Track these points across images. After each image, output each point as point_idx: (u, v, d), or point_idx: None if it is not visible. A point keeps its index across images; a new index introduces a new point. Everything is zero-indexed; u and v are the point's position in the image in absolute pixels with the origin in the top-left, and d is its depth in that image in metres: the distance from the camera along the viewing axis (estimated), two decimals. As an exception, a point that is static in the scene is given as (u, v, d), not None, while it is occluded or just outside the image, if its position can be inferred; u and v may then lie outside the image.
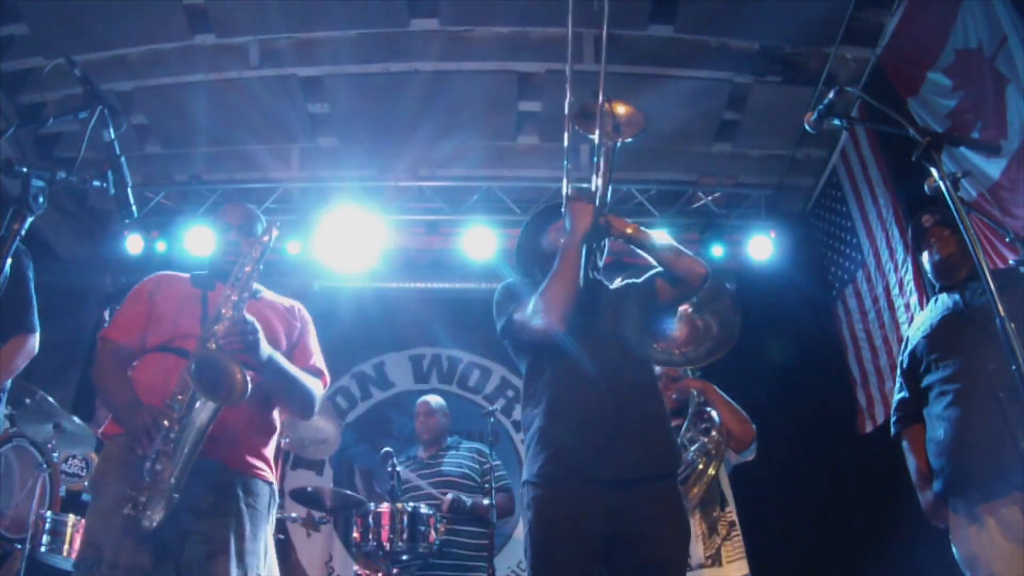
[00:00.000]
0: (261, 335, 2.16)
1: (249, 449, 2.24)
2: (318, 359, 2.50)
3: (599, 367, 2.22)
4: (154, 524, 1.95)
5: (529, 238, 2.61)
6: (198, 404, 1.99)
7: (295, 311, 2.55)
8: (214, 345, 2.10)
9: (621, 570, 2.11)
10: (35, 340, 2.72)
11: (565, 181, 2.46)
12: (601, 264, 2.46)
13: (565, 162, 2.48)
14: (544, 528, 2.13)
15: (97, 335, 2.44)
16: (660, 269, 2.37)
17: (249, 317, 2.15)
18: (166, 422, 2.00)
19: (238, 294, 2.17)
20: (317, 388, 2.41)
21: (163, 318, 2.29)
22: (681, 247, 2.38)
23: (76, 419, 3.99)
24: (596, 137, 2.28)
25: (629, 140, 2.31)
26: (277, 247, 2.73)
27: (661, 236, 2.45)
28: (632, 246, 2.39)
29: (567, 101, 2.38)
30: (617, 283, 2.56)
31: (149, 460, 1.99)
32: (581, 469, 2.12)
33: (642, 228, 2.40)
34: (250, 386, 2.02)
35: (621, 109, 2.32)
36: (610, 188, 2.34)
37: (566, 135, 2.43)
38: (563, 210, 2.37)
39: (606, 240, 2.39)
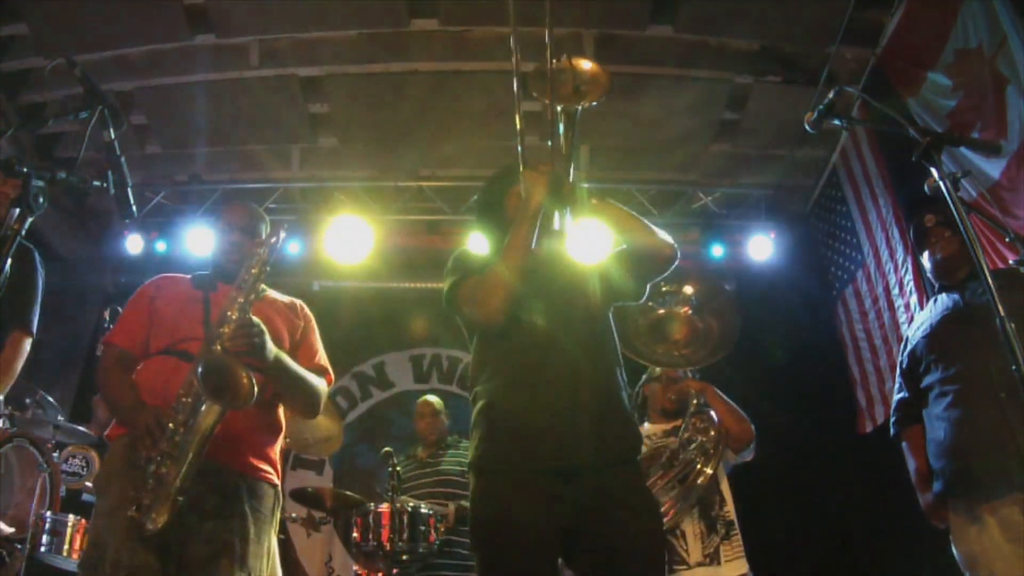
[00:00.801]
0: (267, 337, 2.15)
1: (254, 451, 2.25)
2: (322, 357, 2.50)
3: (552, 344, 2.02)
4: (158, 527, 1.94)
5: (490, 198, 2.35)
6: (203, 407, 1.98)
7: (297, 309, 2.54)
8: (220, 348, 2.09)
9: (590, 564, 1.89)
10: (28, 343, 2.71)
11: (520, 147, 2.16)
12: (565, 232, 2.21)
13: (517, 122, 2.14)
14: (484, 524, 1.93)
15: (101, 340, 2.45)
16: (625, 245, 2.20)
17: (255, 319, 2.14)
18: (171, 424, 2.00)
19: (244, 296, 2.16)
20: (322, 386, 2.41)
21: (164, 321, 2.28)
22: (649, 224, 2.20)
23: (76, 419, 3.99)
24: (551, 101, 2.02)
25: (593, 104, 2.04)
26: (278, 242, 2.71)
27: (627, 211, 2.23)
28: (597, 219, 2.18)
29: (513, 59, 2.07)
30: (582, 256, 2.32)
31: (153, 463, 1.98)
32: (525, 457, 1.90)
33: (608, 199, 2.21)
34: (256, 390, 2.01)
35: (585, 65, 2.06)
36: (572, 164, 2.09)
37: (516, 96, 2.09)
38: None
39: (568, 209, 2.11)
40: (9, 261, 2.39)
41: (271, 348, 2.17)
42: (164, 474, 1.96)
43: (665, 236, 2.18)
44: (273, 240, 2.25)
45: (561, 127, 2.05)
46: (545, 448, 1.90)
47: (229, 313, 2.13)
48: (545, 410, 1.93)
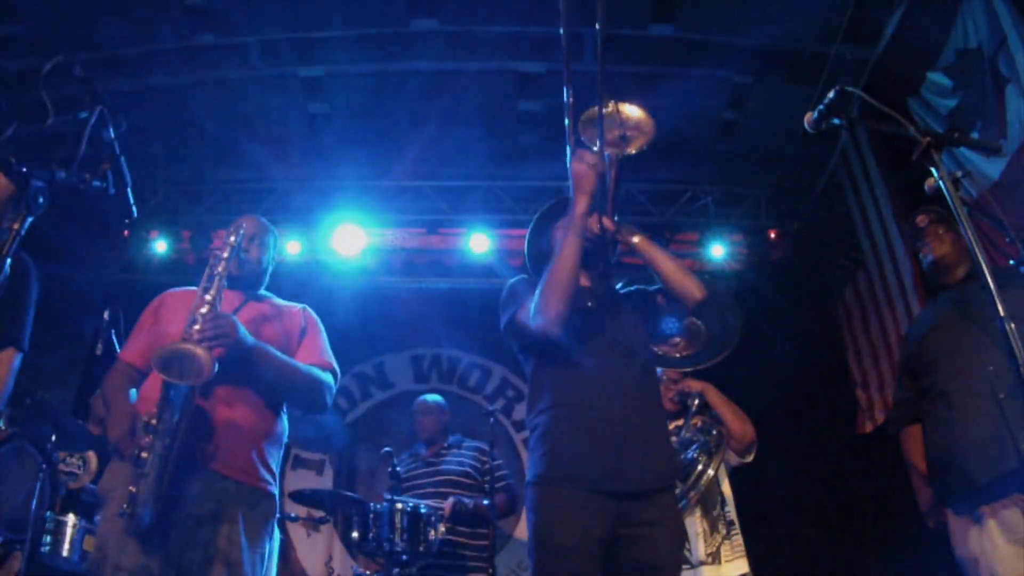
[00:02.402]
0: (240, 327, 2.18)
1: (252, 459, 2.26)
2: (325, 354, 2.52)
3: (605, 371, 2.20)
4: (146, 520, 1.99)
5: (535, 236, 2.56)
6: (172, 392, 2.03)
7: (300, 313, 2.58)
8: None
9: (619, 571, 2.11)
10: (19, 359, 2.62)
11: (568, 148, 2.31)
12: (612, 263, 2.42)
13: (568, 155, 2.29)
14: (548, 531, 2.11)
15: (100, 341, 2.46)
16: (662, 286, 2.35)
17: (224, 312, 2.19)
18: (152, 421, 2.04)
19: (212, 293, 2.23)
20: (324, 378, 2.42)
21: (165, 333, 2.34)
22: (684, 267, 2.36)
23: (76, 419, 3.99)
24: (598, 147, 2.15)
25: (636, 151, 2.18)
26: (277, 247, 2.75)
27: (665, 253, 2.40)
28: (637, 255, 2.37)
29: (567, 101, 2.23)
30: (624, 286, 2.56)
31: (140, 461, 2.02)
32: (586, 477, 2.11)
33: (650, 240, 2.37)
34: (214, 362, 2.04)
35: (632, 112, 2.17)
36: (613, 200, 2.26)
37: (568, 141, 2.29)
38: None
39: (615, 241, 2.34)
40: (11, 266, 2.39)
41: (246, 335, 2.19)
42: (145, 464, 2.01)
43: (697, 281, 2.33)
44: (232, 239, 2.32)
45: (608, 171, 2.17)
46: (602, 471, 2.10)
47: (201, 311, 2.19)
48: (603, 438, 2.12)
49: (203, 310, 2.18)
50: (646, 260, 2.36)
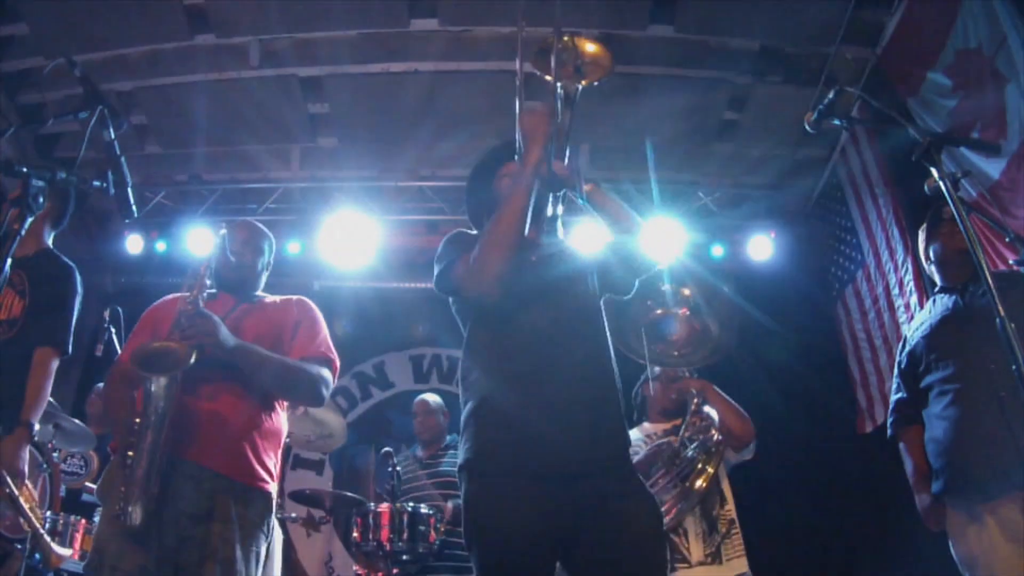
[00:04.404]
0: (222, 327, 2.20)
1: (246, 457, 2.25)
2: (323, 345, 2.47)
3: (545, 333, 1.94)
4: (137, 519, 2.00)
5: (478, 183, 2.27)
6: (153, 388, 2.05)
7: (294, 306, 2.56)
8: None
9: (590, 568, 1.81)
10: (56, 361, 2.63)
11: (519, 111, 2.06)
12: (559, 217, 2.19)
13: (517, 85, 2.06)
14: (478, 529, 1.84)
15: (100, 341, 2.47)
16: (617, 237, 2.12)
17: (207, 312, 2.22)
18: (136, 419, 2.07)
19: (194, 293, 2.27)
20: (321, 372, 2.40)
21: (158, 337, 2.34)
22: (635, 219, 2.12)
23: (76, 419, 3.98)
24: (552, 78, 1.93)
25: (594, 83, 1.96)
26: (277, 247, 2.76)
27: (618, 203, 2.14)
28: (591, 206, 2.09)
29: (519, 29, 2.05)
30: (575, 241, 2.33)
31: (127, 457, 2.05)
32: (519, 461, 1.82)
33: (602, 188, 2.12)
34: (191, 352, 2.07)
35: (588, 47, 2.00)
36: (568, 148, 2.02)
37: (518, 71, 2.06)
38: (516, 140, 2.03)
39: (563, 191, 2.07)
40: (38, 275, 2.40)
41: (227, 337, 2.20)
42: (132, 462, 2.04)
43: (639, 225, 2.11)
44: (215, 240, 2.40)
45: (560, 105, 1.97)
46: (541, 452, 1.81)
47: (185, 310, 2.23)
48: (542, 411, 1.84)
49: (186, 310, 2.22)
50: (597, 211, 2.10)
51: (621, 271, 2.14)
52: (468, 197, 2.33)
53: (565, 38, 1.95)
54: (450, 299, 2.14)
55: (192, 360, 2.06)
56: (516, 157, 2.05)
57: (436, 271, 2.08)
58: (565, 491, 1.80)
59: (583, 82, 1.96)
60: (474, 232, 2.17)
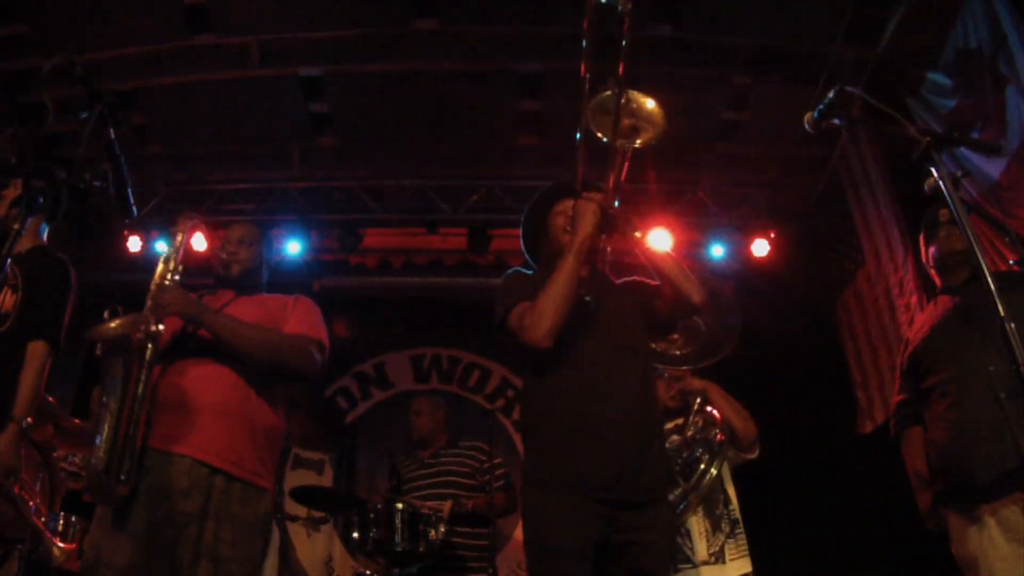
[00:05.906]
0: (187, 295, 2.27)
1: (243, 453, 2.24)
2: (313, 328, 2.48)
3: (601, 369, 2.17)
4: (111, 503, 2.06)
5: (534, 218, 2.51)
6: (109, 354, 2.12)
7: (293, 298, 2.58)
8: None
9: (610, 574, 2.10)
10: (46, 352, 2.56)
11: (579, 167, 2.28)
12: (606, 255, 2.40)
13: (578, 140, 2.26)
14: (542, 536, 2.09)
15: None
16: (660, 283, 2.33)
17: (170, 285, 2.29)
18: (104, 397, 2.11)
19: (161, 275, 2.34)
20: (309, 337, 2.42)
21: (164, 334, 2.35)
22: (686, 270, 2.32)
23: (76, 419, 3.98)
24: (608, 137, 2.12)
25: (643, 144, 2.15)
26: (277, 247, 2.79)
27: (666, 252, 2.38)
28: (638, 252, 2.34)
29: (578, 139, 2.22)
30: (624, 281, 2.51)
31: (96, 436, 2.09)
32: (580, 483, 2.08)
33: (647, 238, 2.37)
34: (118, 318, 2.13)
35: (648, 104, 2.16)
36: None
37: (580, 131, 2.25)
38: (575, 195, 2.27)
39: (613, 234, 2.32)
40: (32, 269, 2.40)
41: (191, 302, 2.27)
42: (97, 445, 2.09)
43: (697, 284, 2.30)
44: (179, 237, 2.49)
45: (615, 163, 2.18)
46: (595, 482, 2.06)
47: (151, 290, 2.29)
48: (599, 441, 2.08)
49: (151, 290, 2.27)
50: (646, 259, 2.32)
51: (666, 313, 2.36)
52: (524, 229, 2.56)
53: (625, 96, 2.13)
54: (505, 341, 2.34)
55: (153, 329, 2.11)
56: (569, 197, 2.29)
57: (496, 317, 2.30)
58: (611, 512, 2.06)
59: (638, 142, 2.13)
60: (528, 272, 2.44)
